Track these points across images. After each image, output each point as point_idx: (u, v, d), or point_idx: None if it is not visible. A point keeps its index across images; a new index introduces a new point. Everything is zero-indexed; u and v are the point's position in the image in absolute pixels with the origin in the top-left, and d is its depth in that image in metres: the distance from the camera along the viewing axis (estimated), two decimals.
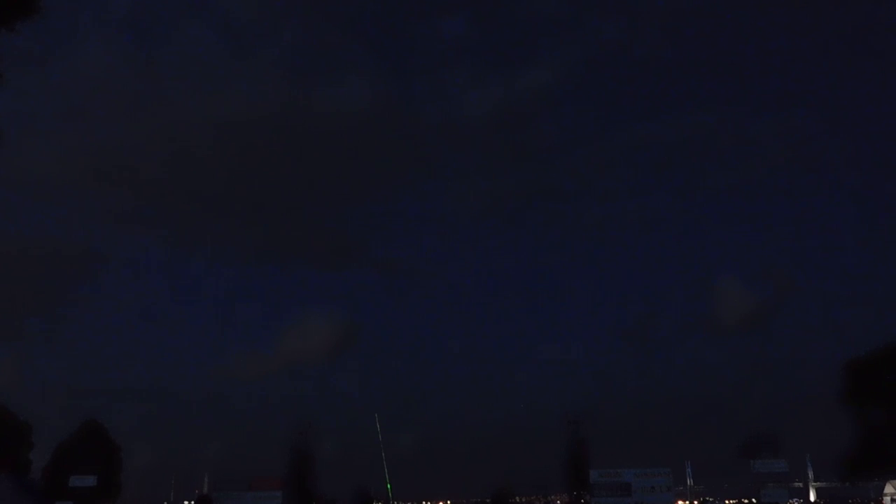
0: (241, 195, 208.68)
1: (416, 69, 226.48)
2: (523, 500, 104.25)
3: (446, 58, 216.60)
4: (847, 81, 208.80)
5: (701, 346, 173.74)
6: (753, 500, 77.07)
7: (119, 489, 78.07)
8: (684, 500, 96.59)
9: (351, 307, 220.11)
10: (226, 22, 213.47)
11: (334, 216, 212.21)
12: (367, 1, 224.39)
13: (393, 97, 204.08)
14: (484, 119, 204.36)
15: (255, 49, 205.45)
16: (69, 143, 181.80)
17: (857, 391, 54.24)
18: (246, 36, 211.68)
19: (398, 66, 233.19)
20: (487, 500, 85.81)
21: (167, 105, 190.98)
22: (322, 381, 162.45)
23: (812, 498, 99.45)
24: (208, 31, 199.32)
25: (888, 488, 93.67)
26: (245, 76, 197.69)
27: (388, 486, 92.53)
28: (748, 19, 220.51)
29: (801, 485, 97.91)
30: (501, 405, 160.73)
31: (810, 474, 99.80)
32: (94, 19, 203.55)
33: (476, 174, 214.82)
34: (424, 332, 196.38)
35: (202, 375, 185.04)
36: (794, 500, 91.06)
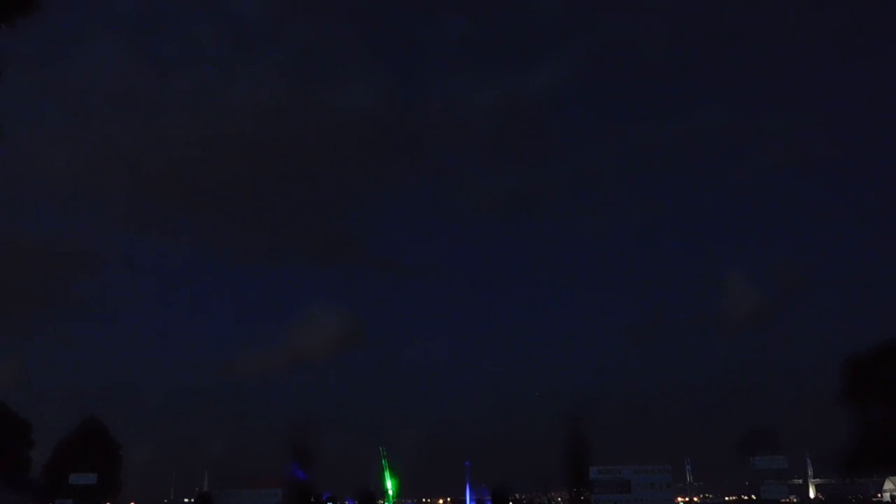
0: (243, 193, 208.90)
1: (419, 68, 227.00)
2: (524, 496, 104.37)
3: (450, 57, 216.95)
4: (850, 82, 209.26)
5: (701, 344, 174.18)
6: (753, 497, 77.07)
7: (119, 487, 78.12)
8: (684, 497, 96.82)
9: (352, 305, 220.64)
10: (229, 21, 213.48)
11: (337, 214, 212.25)
12: (370, 0, 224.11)
13: (396, 96, 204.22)
14: (487, 118, 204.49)
15: (259, 48, 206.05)
16: (71, 143, 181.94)
17: (856, 388, 54.23)
18: (249, 35, 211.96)
19: (401, 65, 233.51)
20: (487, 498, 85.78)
21: (170, 104, 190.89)
22: (323, 378, 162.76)
23: (811, 494, 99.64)
24: (212, 29, 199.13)
25: (887, 484, 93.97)
26: (248, 75, 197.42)
27: (391, 490, 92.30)
28: (751, 20, 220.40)
29: (800, 481, 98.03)
30: (502, 403, 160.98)
31: (810, 471, 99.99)
32: (96, 18, 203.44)
33: (480, 173, 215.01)
34: (426, 330, 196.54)
35: (203, 373, 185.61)
36: (794, 496, 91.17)
